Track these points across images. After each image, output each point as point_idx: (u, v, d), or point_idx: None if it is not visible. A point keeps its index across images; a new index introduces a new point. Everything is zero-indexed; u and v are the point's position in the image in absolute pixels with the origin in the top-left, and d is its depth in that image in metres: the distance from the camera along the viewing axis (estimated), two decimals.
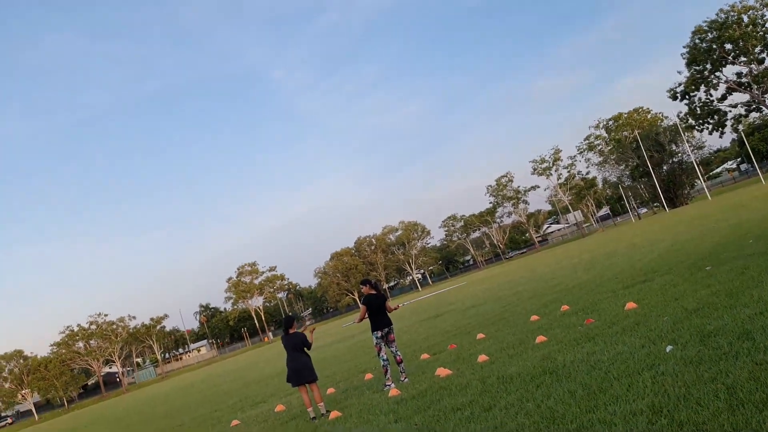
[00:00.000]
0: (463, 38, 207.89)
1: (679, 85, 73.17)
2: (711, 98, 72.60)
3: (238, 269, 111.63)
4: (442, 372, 9.33)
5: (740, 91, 70.31)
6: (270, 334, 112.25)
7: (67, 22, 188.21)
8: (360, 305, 10.21)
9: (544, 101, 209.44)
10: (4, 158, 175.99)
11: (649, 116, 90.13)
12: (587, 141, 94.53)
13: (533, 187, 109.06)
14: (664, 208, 76.29)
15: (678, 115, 76.73)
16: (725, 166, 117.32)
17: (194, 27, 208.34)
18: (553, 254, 53.80)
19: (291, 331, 9.48)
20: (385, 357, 9.84)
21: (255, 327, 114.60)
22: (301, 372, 9.22)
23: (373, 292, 10.06)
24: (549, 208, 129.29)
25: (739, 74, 69.81)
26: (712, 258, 12.84)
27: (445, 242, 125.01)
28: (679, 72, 73.04)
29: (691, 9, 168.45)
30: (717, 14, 68.11)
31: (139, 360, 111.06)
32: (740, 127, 76.16)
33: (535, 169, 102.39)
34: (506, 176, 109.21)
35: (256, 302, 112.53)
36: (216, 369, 54.57)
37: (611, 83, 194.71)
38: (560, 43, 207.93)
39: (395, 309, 10.25)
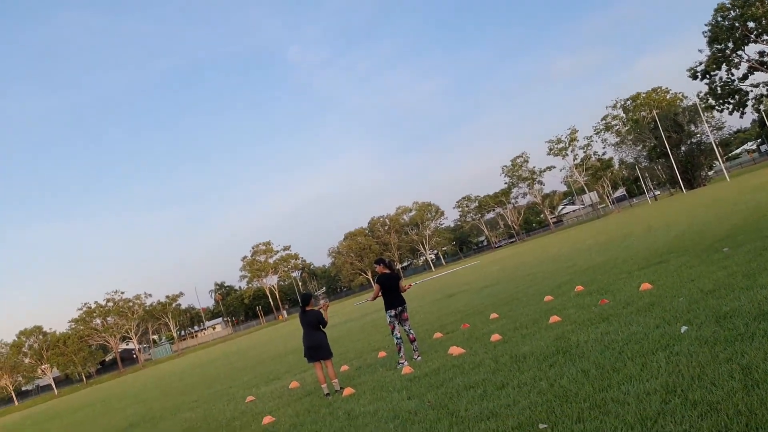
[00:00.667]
0: (480, 16, 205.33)
1: (700, 64, 71.87)
2: (732, 77, 71.26)
3: (253, 248, 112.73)
4: (455, 351, 9.36)
5: (762, 71, 68.88)
6: (284, 312, 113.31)
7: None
8: (373, 284, 10.25)
9: (562, 81, 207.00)
10: (24, 136, 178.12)
11: (667, 96, 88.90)
12: (604, 121, 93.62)
13: (549, 168, 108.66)
14: (682, 189, 75.42)
15: (698, 95, 75.62)
16: (745, 147, 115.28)
17: (210, 3, 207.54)
18: (567, 235, 53.52)
19: (308, 308, 9.55)
20: (398, 335, 9.90)
21: (269, 305, 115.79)
22: (316, 349, 9.32)
23: (387, 271, 10.12)
24: (564, 189, 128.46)
25: (761, 53, 68.37)
26: (729, 240, 12.68)
27: (459, 223, 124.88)
28: (700, 50, 71.76)
29: None
30: None
31: (156, 337, 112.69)
32: (761, 107, 74.73)
33: (551, 150, 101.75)
34: (522, 156, 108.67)
35: (271, 281, 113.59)
36: (231, 346, 55.19)
37: (630, 63, 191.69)
38: (579, 21, 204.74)
39: (408, 288, 10.28)
